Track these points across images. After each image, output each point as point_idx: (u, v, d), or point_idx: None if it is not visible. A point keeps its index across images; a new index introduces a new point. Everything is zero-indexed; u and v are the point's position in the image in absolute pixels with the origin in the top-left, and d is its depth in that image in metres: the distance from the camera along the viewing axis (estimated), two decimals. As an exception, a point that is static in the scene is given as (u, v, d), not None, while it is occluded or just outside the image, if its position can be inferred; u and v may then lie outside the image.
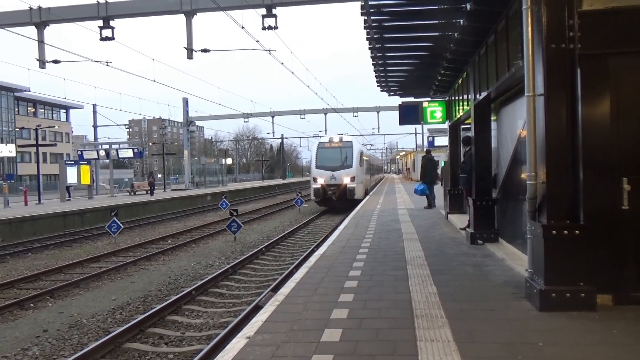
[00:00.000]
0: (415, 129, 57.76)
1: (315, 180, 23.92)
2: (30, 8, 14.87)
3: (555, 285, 4.76)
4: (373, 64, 11.87)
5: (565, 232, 4.78)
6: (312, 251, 12.31)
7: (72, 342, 7.03)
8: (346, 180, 23.34)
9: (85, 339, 7.13)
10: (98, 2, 14.67)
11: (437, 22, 8.85)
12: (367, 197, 24.33)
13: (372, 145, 76.31)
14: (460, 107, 12.39)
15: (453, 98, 13.67)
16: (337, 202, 23.55)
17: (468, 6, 7.35)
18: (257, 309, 6.73)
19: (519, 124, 7.51)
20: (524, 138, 5.70)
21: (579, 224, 4.82)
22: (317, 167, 24.32)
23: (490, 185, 9.38)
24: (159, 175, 73.87)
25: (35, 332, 7.51)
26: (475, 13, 7.40)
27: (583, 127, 4.88)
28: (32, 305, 9.10)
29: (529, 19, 5.07)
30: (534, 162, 5.11)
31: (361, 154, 25.46)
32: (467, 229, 9.69)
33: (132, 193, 39.16)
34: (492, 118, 9.68)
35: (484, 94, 8.96)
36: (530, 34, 5.08)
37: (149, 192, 36.59)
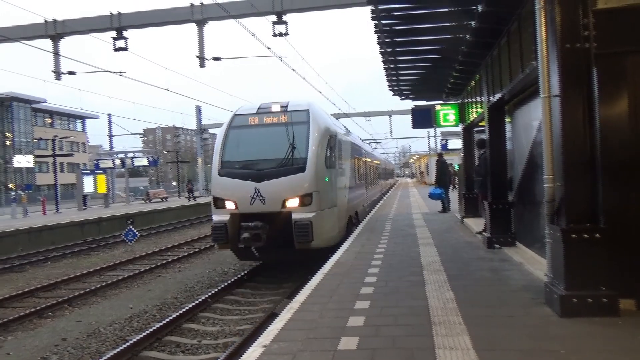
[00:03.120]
0: (428, 132, 57.46)
1: (218, 203, 10.46)
2: (46, 21, 15.15)
3: (576, 290, 4.65)
4: (384, 68, 11.84)
5: (585, 235, 4.68)
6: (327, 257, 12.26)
7: (90, 350, 7.08)
8: (291, 203, 9.95)
9: (103, 347, 7.18)
10: (111, 13, 14.88)
11: (447, 24, 8.80)
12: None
13: (378, 142, 56.40)
14: (474, 110, 12.28)
15: (466, 100, 13.56)
16: (268, 254, 10.35)
17: (479, 8, 7.29)
18: (273, 316, 6.72)
19: (534, 125, 7.40)
20: (540, 140, 5.61)
21: (599, 227, 4.72)
22: (222, 173, 10.57)
23: (506, 188, 9.26)
24: (174, 183, 74.48)
25: (54, 340, 7.58)
26: (487, 14, 7.33)
27: (601, 128, 4.79)
28: (51, 314, 9.21)
29: (543, 19, 5.01)
30: (551, 164, 5.02)
31: (332, 139, 11.04)
32: (484, 232, 9.57)
33: (148, 201, 39.54)
34: (507, 120, 9.57)
35: (497, 96, 8.87)
36: (544, 34, 5.01)
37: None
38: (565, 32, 4.88)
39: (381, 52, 10.31)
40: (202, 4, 14.11)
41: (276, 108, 10.98)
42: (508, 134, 9.50)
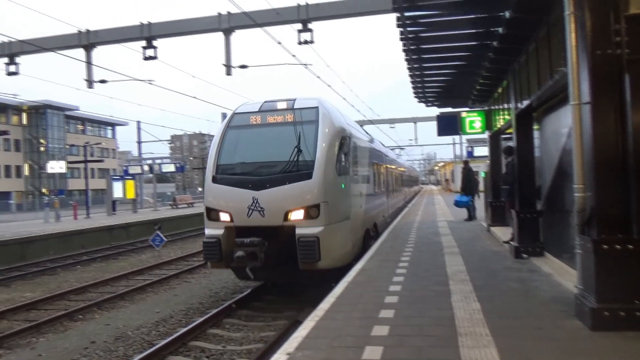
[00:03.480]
0: (454, 139, 56.83)
1: (211, 214, 9.31)
2: (79, 31, 15.63)
3: (608, 303, 4.51)
4: (410, 75, 11.80)
5: (618, 246, 4.54)
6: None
7: (118, 354, 7.22)
8: (295, 216, 8.70)
9: (130, 351, 7.31)
10: (142, 23, 15.24)
11: (474, 31, 8.72)
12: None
13: (402, 149, 51.86)
14: (501, 117, 12.11)
15: (493, 107, 13.38)
16: (268, 273, 9.46)
17: (507, 14, 7.20)
18: (297, 323, 6.72)
19: (563, 132, 7.25)
20: (570, 147, 5.49)
21: (632, 238, 4.57)
22: (216, 180, 9.40)
23: (535, 196, 9.08)
24: (199, 189, 75.52)
25: (83, 343, 7.76)
26: (515, 21, 7.24)
27: (634, 135, 4.65)
28: (80, 316, 9.43)
29: (572, 25, 4.91)
30: (581, 172, 4.90)
31: (345, 141, 9.75)
32: (511, 242, 9.38)
33: (174, 206, 40.18)
34: (535, 127, 9.40)
35: (525, 103, 8.73)
36: (573, 40, 4.91)
37: None
38: (596, 38, 4.77)
39: (406, 59, 10.28)
40: (229, 13, 14.31)
41: (282, 105, 9.72)
42: (536, 142, 9.34)
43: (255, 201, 8.69)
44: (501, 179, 12.02)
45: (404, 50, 9.61)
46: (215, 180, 9.32)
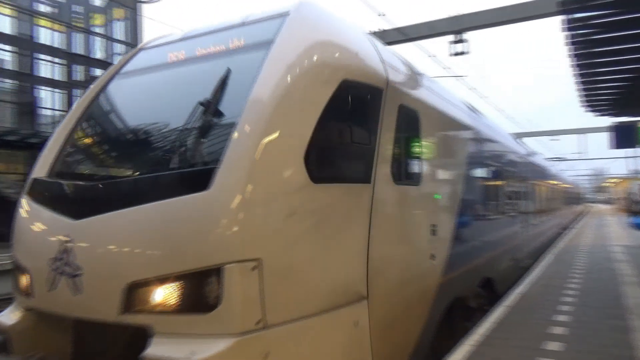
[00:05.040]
0: (626, 152, 49.75)
1: (15, 273, 3.89)
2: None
3: None
4: (576, 82, 10.72)
5: None
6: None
7: None
8: (156, 297, 3.04)
9: None
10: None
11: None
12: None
13: (559, 160, 43.60)
14: (697, 126, 10.30)
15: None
16: None
17: None
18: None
19: None
20: None
21: None
22: (34, 189, 4.09)
23: None
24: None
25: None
26: None
27: None
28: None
29: None
30: None
31: (358, 95, 3.95)
32: None
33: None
34: None
35: None
36: None
37: None
38: None
39: (573, 65, 9.37)
40: (383, 30, 14.68)
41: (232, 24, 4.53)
42: None
43: (65, 247, 3.49)
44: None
45: (571, 55, 8.78)
46: (32, 189, 4.22)
